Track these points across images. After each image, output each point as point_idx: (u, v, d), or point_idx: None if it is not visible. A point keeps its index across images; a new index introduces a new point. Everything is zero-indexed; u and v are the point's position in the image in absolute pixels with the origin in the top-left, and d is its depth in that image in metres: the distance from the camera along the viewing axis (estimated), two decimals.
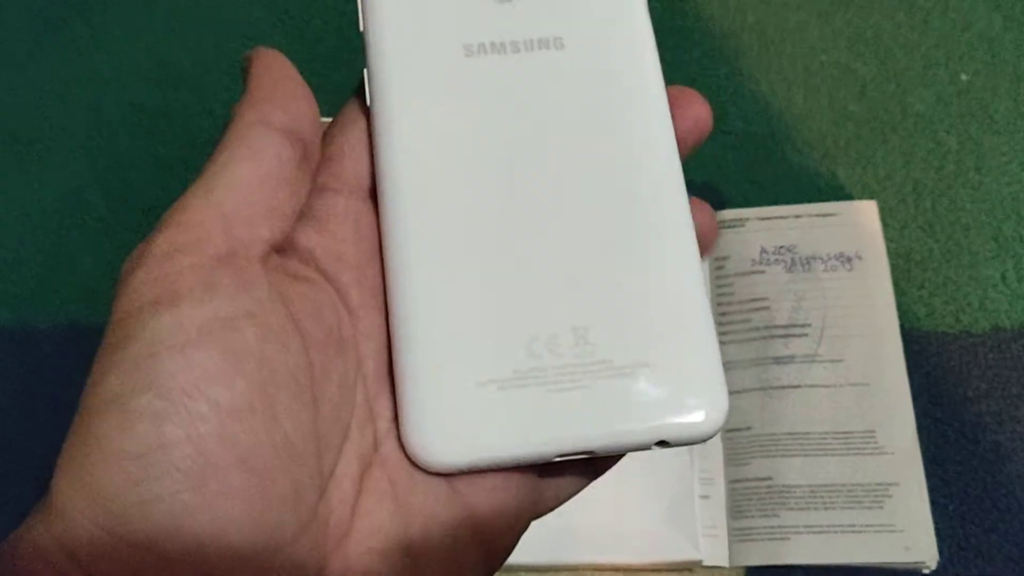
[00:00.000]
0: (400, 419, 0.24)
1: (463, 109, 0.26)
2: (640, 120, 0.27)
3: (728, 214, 0.59)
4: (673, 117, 0.27)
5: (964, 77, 0.66)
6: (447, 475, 0.23)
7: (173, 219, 0.22)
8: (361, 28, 0.27)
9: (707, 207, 0.28)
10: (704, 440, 0.24)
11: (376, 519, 0.23)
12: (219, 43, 0.67)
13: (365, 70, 0.27)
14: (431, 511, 0.23)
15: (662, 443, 0.24)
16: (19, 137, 0.64)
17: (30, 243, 0.60)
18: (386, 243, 0.25)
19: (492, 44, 0.27)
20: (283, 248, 0.24)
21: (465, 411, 0.23)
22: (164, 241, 0.21)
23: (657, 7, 0.69)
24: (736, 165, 0.63)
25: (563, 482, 0.26)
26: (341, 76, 0.66)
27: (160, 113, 0.65)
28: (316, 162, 0.25)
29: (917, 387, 0.54)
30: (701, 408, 0.24)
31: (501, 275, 0.25)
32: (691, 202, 0.27)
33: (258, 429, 0.20)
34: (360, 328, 0.24)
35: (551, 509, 0.26)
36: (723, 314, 0.56)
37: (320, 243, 0.24)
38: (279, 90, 0.24)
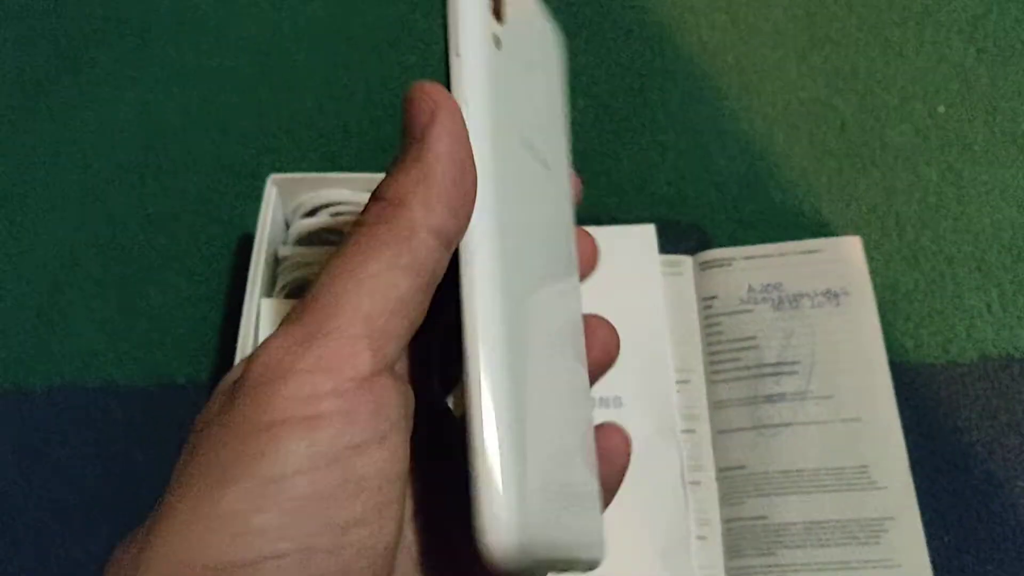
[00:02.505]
0: (475, 520, 0.23)
1: None
2: None
3: (715, 254, 0.59)
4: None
5: (941, 109, 0.67)
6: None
7: (326, 327, 0.21)
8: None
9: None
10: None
11: None
12: (206, 96, 0.68)
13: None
14: None
15: None
16: (10, 197, 0.64)
17: (23, 303, 0.60)
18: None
19: None
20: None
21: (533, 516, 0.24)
22: (311, 359, 0.21)
23: (638, 49, 0.70)
24: (721, 204, 0.63)
25: None
26: (327, 124, 0.66)
27: (149, 170, 0.65)
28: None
29: (908, 420, 0.55)
30: None
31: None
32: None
33: (365, 543, 0.21)
34: None
35: None
36: (713, 353, 0.57)
37: None
38: (456, 189, 0.23)
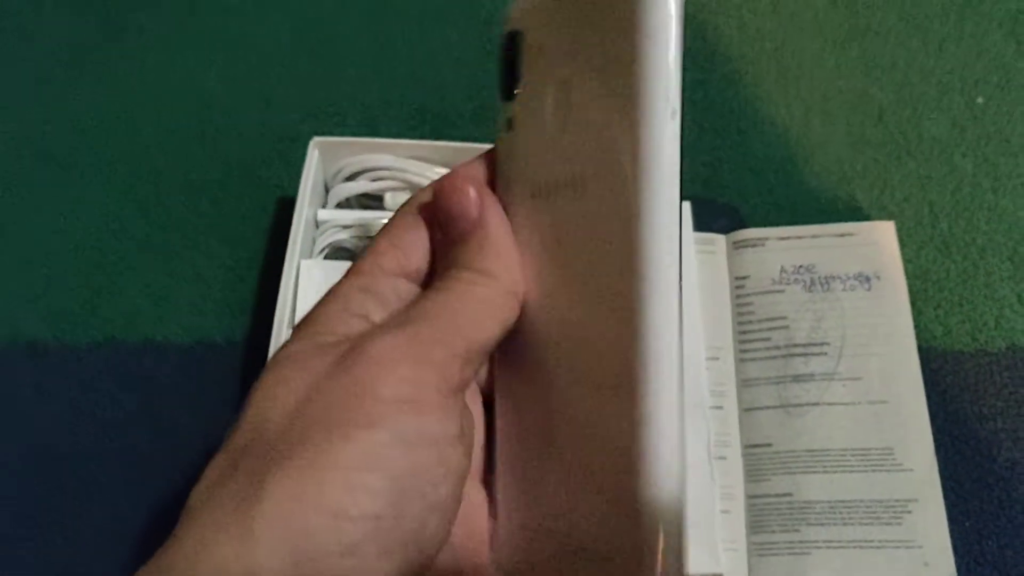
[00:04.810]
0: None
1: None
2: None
3: (749, 234, 0.60)
4: None
5: (980, 101, 0.67)
6: None
7: (437, 337, 0.26)
8: None
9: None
10: None
11: None
12: (249, 66, 0.69)
13: None
14: None
15: None
16: (58, 159, 0.66)
17: (70, 262, 0.62)
18: None
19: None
20: None
21: None
22: (423, 354, 0.25)
23: None
24: (756, 187, 0.64)
25: None
26: (368, 95, 0.67)
27: (193, 136, 0.66)
28: None
29: (934, 405, 0.55)
30: None
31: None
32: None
33: (439, 527, 0.25)
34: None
35: None
36: (743, 332, 0.58)
37: None
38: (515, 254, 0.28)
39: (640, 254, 0.24)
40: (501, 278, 0.27)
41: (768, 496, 0.53)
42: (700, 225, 0.60)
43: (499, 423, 0.29)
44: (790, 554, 0.52)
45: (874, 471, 0.53)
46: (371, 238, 0.55)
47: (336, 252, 0.56)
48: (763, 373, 0.56)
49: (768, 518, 0.53)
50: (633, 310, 0.24)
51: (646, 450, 0.24)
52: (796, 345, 0.57)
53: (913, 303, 0.58)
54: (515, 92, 0.28)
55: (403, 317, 0.26)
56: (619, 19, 0.24)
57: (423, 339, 0.25)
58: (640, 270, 0.24)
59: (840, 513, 0.52)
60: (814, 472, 0.53)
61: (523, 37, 0.28)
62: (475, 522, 0.29)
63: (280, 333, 0.52)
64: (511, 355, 0.29)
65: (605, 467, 0.25)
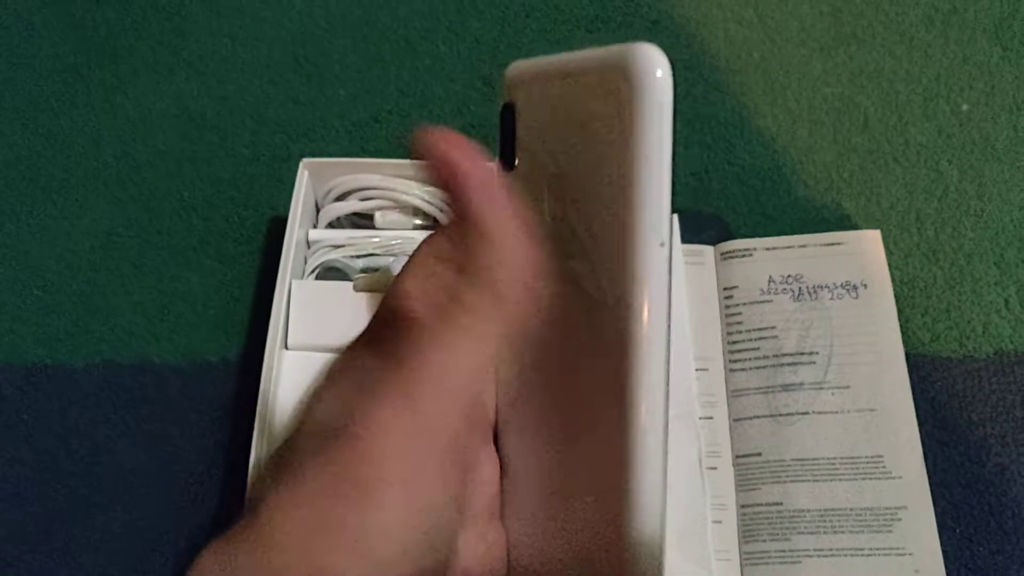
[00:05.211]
0: None
1: None
2: None
3: (736, 244, 0.60)
4: None
5: (965, 107, 0.67)
6: None
7: (423, 389, 0.24)
8: None
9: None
10: None
11: None
12: (240, 86, 0.70)
13: None
14: None
15: None
16: (52, 182, 0.66)
17: (65, 285, 0.62)
18: None
19: None
20: None
21: None
22: (409, 417, 0.24)
23: (665, 41, 0.71)
24: (743, 197, 0.64)
25: None
26: (358, 113, 0.68)
27: (185, 156, 0.67)
28: None
29: (922, 412, 0.56)
30: None
31: None
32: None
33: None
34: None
35: None
36: (732, 343, 0.58)
37: None
38: (521, 296, 0.25)
39: (631, 382, 0.25)
40: (491, 316, 0.25)
41: (759, 505, 0.54)
42: (688, 236, 0.61)
43: (504, 471, 0.30)
44: (781, 563, 0.52)
45: (864, 479, 0.53)
46: (361, 256, 0.56)
47: (327, 272, 0.57)
48: (752, 383, 0.57)
49: (759, 527, 0.53)
50: (626, 423, 0.25)
51: (633, 512, 0.25)
52: (785, 354, 0.57)
53: (900, 310, 0.59)
54: (514, 165, 0.28)
55: (392, 357, 0.25)
56: (611, 132, 0.24)
57: (410, 391, 0.24)
58: (630, 395, 0.25)
59: (830, 521, 0.53)
60: (804, 481, 0.54)
61: (518, 112, 0.27)
62: (495, 561, 0.29)
63: (273, 353, 0.52)
64: (513, 409, 0.30)
65: (598, 514, 0.26)
